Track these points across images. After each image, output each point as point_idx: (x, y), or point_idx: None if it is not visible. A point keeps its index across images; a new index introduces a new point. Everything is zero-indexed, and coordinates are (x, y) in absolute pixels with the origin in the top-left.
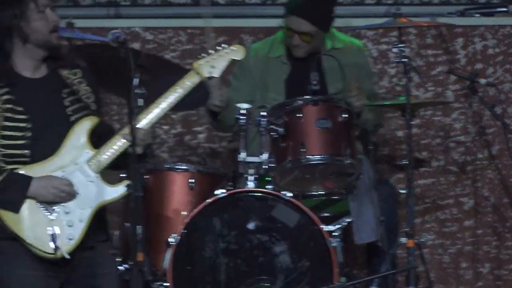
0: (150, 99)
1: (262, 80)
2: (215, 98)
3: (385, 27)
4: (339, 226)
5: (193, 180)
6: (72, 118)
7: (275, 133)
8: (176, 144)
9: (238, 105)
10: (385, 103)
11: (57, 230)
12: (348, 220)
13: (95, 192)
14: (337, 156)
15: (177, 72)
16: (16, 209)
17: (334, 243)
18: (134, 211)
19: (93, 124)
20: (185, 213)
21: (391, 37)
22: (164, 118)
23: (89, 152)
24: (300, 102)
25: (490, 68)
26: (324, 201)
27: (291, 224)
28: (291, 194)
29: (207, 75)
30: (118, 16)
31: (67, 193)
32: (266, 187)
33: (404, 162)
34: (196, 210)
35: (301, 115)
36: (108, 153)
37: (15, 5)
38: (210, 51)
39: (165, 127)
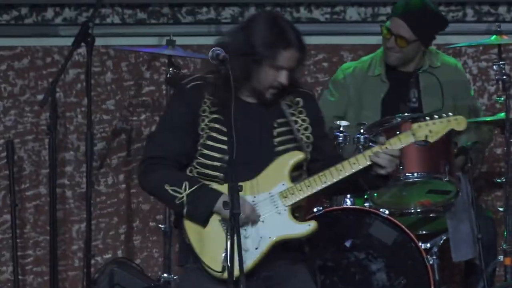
0: None
1: (357, 97)
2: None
3: (485, 44)
4: (436, 243)
5: None
6: (277, 149)
7: None
8: None
9: (338, 122)
10: (485, 119)
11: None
12: (445, 237)
13: (280, 224)
14: (435, 174)
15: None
16: (202, 221)
17: (431, 260)
18: (232, 229)
19: (300, 159)
20: None
21: (491, 54)
22: None
23: (285, 184)
24: (399, 119)
25: None
26: (421, 218)
27: (388, 242)
28: (388, 212)
29: (422, 138)
30: (219, 34)
31: (249, 219)
32: (365, 204)
33: (503, 180)
34: None
35: (399, 132)
36: (304, 190)
37: (263, 48)
38: (435, 115)
39: None
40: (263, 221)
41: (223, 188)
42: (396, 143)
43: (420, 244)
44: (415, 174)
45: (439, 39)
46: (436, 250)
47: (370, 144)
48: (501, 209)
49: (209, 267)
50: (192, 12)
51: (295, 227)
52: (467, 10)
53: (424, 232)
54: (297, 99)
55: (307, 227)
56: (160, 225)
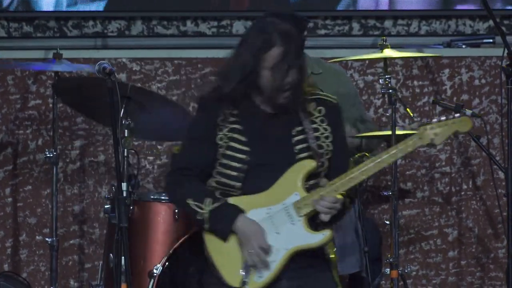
0: (136, 130)
1: None
2: None
3: (371, 58)
4: None
5: (177, 211)
6: (297, 157)
7: None
8: (161, 175)
9: None
10: (371, 134)
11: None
12: None
13: (295, 235)
14: None
15: (163, 104)
16: (224, 237)
17: None
18: (118, 242)
19: (311, 168)
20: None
21: (377, 68)
22: (149, 149)
23: (298, 194)
24: None
25: (476, 99)
26: None
27: None
28: None
29: (429, 141)
30: (105, 47)
31: (258, 259)
32: None
33: (389, 193)
34: (179, 242)
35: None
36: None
37: (252, 58)
38: (442, 117)
39: (150, 158)
40: (278, 233)
41: (240, 200)
42: (404, 148)
43: None
44: None
45: (326, 53)
46: None
47: None
48: (387, 222)
49: (227, 281)
50: (79, 26)
51: (310, 237)
52: (353, 24)
53: None
54: (320, 107)
55: (321, 237)
56: (47, 239)
